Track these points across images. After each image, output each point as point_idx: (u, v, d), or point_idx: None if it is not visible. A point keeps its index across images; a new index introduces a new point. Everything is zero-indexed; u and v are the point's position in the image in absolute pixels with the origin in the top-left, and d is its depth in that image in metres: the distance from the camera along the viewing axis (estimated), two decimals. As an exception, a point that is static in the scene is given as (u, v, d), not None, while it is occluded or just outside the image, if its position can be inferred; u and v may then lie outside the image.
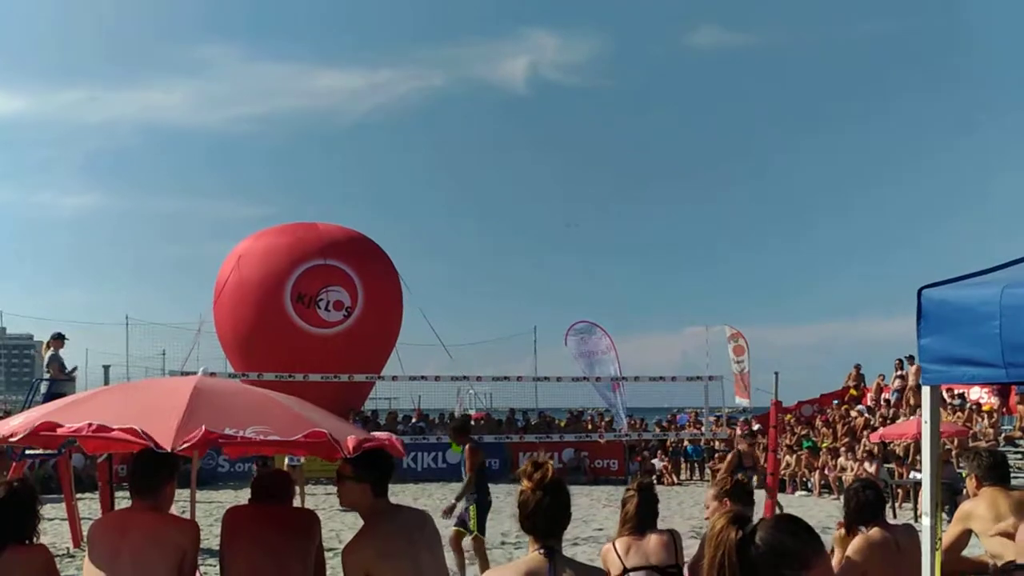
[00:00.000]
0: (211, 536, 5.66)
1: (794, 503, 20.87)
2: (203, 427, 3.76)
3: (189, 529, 4.34)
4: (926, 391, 3.96)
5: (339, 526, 15.14)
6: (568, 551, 10.79)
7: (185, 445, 3.72)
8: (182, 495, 5.27)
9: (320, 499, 20.64)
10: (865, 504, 4.99)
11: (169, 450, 3.70)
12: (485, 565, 10.40)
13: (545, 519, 3.31)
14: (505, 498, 20.73)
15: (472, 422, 29.82)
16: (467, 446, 11.27)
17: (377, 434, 4.38)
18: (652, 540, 4.90)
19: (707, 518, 5.43)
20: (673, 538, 4.93)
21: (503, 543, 13.90)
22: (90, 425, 3.77)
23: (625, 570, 4.81)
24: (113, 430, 3.74)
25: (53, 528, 14.87)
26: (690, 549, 5.30)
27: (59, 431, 3.87)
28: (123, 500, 7.17)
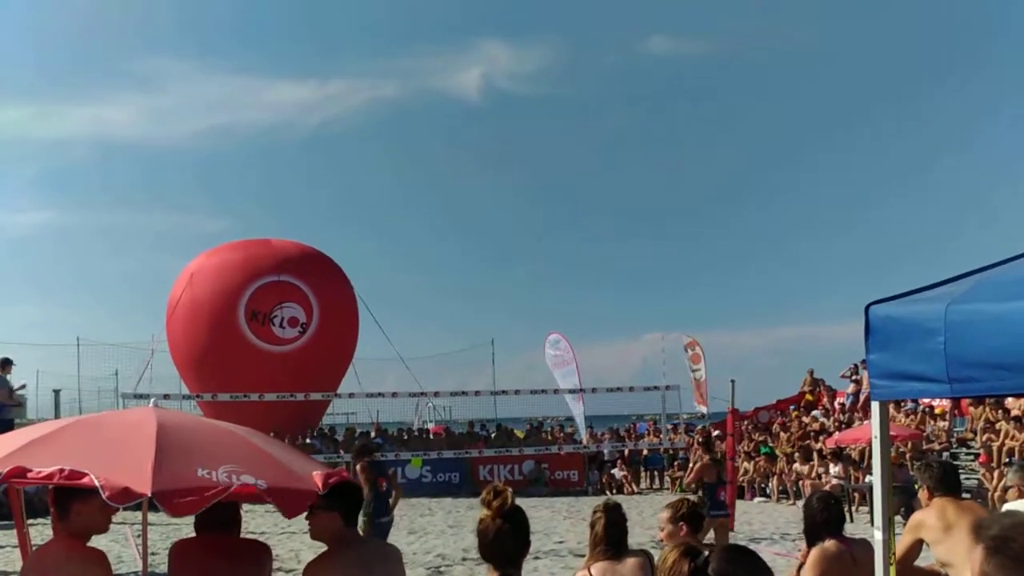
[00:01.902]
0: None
1: (752, 509, 21.05)
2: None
3: (91, 559, 4.23)
4: (875, 406, 4.00)
5: (298, 545, 14.99)
6: (530, 564, 10.80)
7: (178, 501, 3.64)
8: (131, 518, 5.19)
9: (278, 517, 20.41)
10: (826, 521, 5.02)
11: (149, 495, 3.61)
12: None
13: (505, 547, 3.30)
14: (466, 512, 20.77)
15: (431, 435, 29.86)
16: (358, 465, 11.88)
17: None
18: (628, 565, 4.84)
19: (661, 540, 5.42)
20: (649, 560, 4.90)
21: (464, 559, 13.85)
22: (61, 471, 3.66)
23: None
24: (86, 476, 3.63)
25: (4, 555, 14.59)
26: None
27: (28, 476, 3.72)
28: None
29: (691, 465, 12.87)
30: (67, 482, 3.67)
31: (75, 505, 4.17)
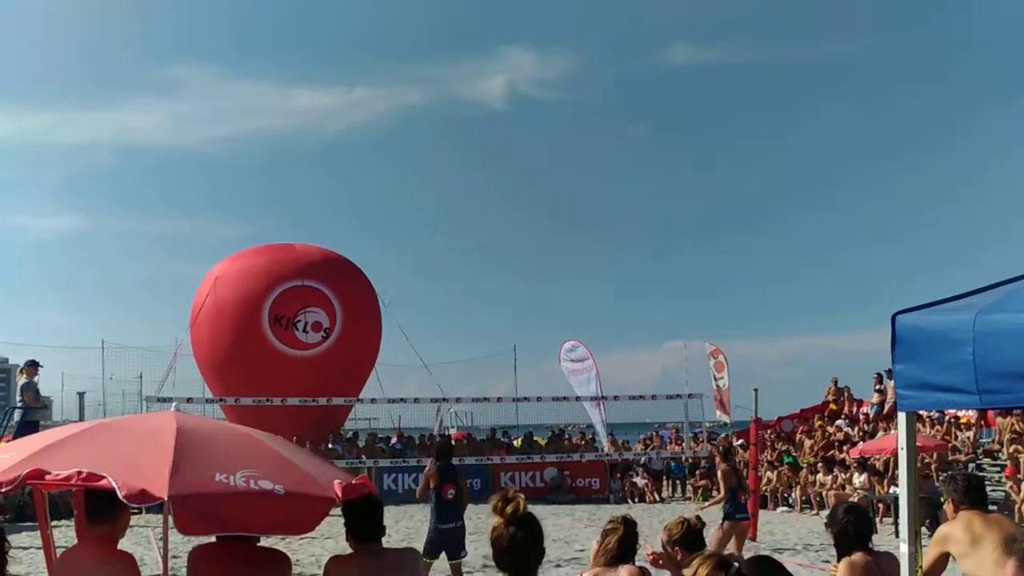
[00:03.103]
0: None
1: (775, 519, 20.89)
2: (195, 479, 3.70)
3: (119, 561, 4.29)
4: (902, 417, 3.95)
5: (319, 551, 15.01)
6: (551, 573, 10.77)
7: (179, 492, 3.65)
8: (153, 520, 5.21)
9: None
10: (857, 533, 4.96)
11: (166, 499, 3.65)
12: None
13: (518, 555, 3.27)
14: (487, 519, 20.67)
15: (453, 442, 29.84)
16: (427, 468, 11.31)
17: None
18: (622, 573, 4.84)
19: (650, 562, 5.37)
20: (642, 574, 4.88)
21: (485, 566, 13.80)
22: (79, 473, 3.70)
23: None
24: (104, 478, 3.66)
25: (29, 557, 14.69)
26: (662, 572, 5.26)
27: (47, 479, 3.77)
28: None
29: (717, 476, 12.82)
30: (85, 484, 3.70)
31: (124, 512, 4.32)
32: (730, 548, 11.76)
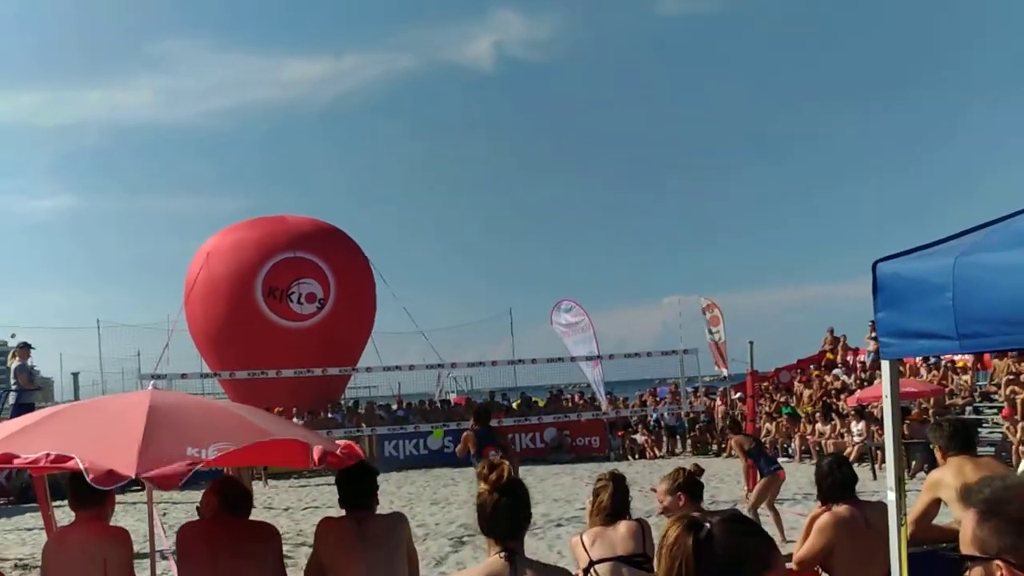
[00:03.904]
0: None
1: (775, 470, 20.99)
2: (185, 463, 3.69)
3: (111, 537, 4.31)
4: (885, 365, 3.92)
5: (310, 527, 15.07)
6: (552, 532, 10.80)
7: (151, 474, 3.65)
8: (156, 496, 5.22)
9: (303, 492, 20.59)
10: (836, 484, 4.95)
11: (133, 477, 3.65)
12: None
13: (504, 521, 3.26)
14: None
15: (452, 406, 29.96)
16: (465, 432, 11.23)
17: (338, 442, 4.42)
18: (620, 529, 4.85)
19: (660, 512, 5.37)
20: (641, 527, 4.88)
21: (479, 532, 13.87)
22: (48, 455, 3.69)
23: (591, 562, 4.77)
24: (71, 459, 3.65)
25: (32, 538, 14.75)
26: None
27: (15, 463, 3.77)
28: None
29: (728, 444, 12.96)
30: (53, 466, 3.69)
31: (112, 495, 4.40)
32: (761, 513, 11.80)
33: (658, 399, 30.62)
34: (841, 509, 4.87)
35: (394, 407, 29.51)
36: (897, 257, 3.81)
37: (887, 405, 3.95)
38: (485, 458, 3.49)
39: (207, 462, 3.82)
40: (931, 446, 5.64)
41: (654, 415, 28.38)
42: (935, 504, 5.11)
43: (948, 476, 5.07)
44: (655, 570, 2.38)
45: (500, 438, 11.12)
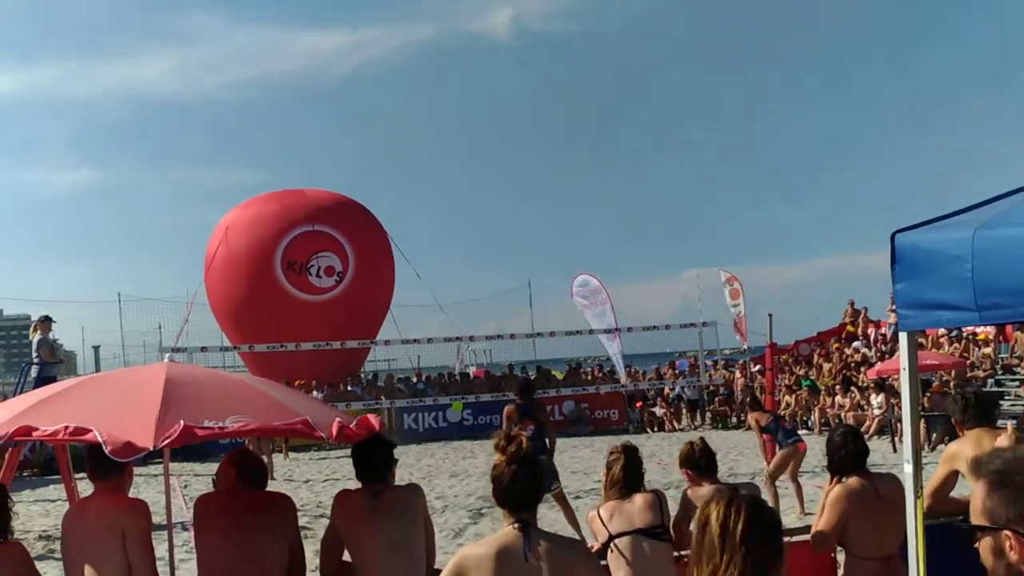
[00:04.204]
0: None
1: (794, 443, 20.95)
2: (181, 423, 3.72)
3: (129, 508, 4.33)
4: (903, 337, 3.90)
5: (329, 499, 15.17)
6: (572, 504, 10.76)
7: (165, 443, 3.68)
8: (177, 469, 5.26)
9: (323, 465, 20.73)
10: (848, 456, 4.93)
11: (151, 448, 3.69)
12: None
13: (520, 493, 3.28)
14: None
15: (472, 379, 30.06)
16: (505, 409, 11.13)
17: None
18: (637, 501, 4.85)
19: (688, 489, 5.34)
20: (658, 498, 4.88)
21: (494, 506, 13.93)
22: (66, 428, 3.72)
23: (610, 536, 4.77)
24: (90, 432, 3.68)
25: (56, 509, 14.92)
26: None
27: (34, 435, 3.81)
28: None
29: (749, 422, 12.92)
30: (71, 438, 3.72)
31: (129, 463, 4.30)
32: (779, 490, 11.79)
33: (677, 372, 30.60)
34: (852, 481, 4.84)
35: (413, 380, 29.63)
36: (916, 228, 3.78)
37: (904, 377, 3.93)
38: (503, 430, 3.52)
39: (224, 433, 3.85)
40: (952, 419, 5.60)
41: (675, 389, 28.31)
42: (952, 476, 5.08)
43: (966, 448, 5.03)
44: (692, 541, 2.38)
45: (540, 412, 11.06)
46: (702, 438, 5.64)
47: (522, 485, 3.28)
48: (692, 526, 2.42)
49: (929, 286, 3.58)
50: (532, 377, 28.32)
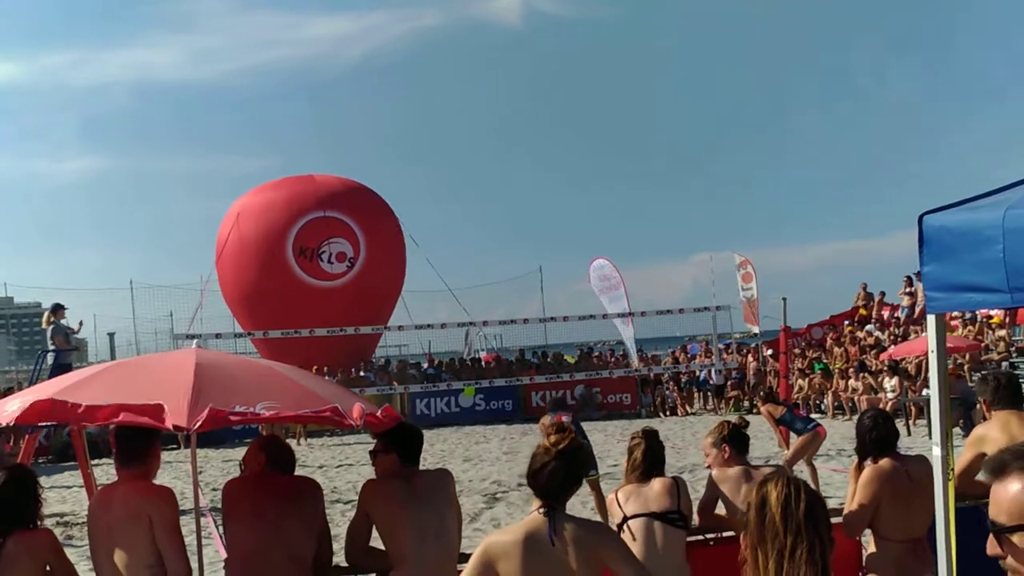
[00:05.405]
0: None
1: (808, 426, 20.91)
2: (210, 406, 3.75)
3: (156, 496, 4.34)
4: (931, 320, 3.86)
5: (356, 477, 15.23)
6: (584, 488, 10.73)
7: (198, 424, 3.70)
8: (202, 455, 5.28)
9: (337, 451, 20.79)
10: (879, 439, 4.90)
11: (186, 430, 3.73)
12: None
13: (552, 486, 3.28)
14: (520, 438, 20.91)
15: (483, 364, 30.08)
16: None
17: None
18: (655, 486, 4.88)
19: (707, 466, 5.36)
20: (676, 484, 4.90)
21: (520, 485, 13.96)
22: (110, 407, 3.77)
23: (624, 518, 4.80)
24: (132, 406, 3.74)
25: (72, 495, 15.00)
26: (703, 480, 5.25)
27: (72, 416, 3.84)
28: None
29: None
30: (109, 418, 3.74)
31: (155, 450, 4.46)
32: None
33: (689, 356, 30.53)
34: (884, 463, 4.81)
35: (425, 365, 29.66)
36: (944, 210, 3.74)
37: (932, 360, 3.89)
38: (558, 421, 3.51)
39: (257, 418, 3.86)
40: (975, 399, 5.57)
41: (700, 373, 28.11)
42: (979, 459, 5.04)
43: (993, 431, 5.01)
44: (750, 522, 2.36)
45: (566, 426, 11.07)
46: (741, 416, 5.65)
47: (557, 480, 3.28)
48: (741, 506, 2.43)
49: (959, 268, 3.54)
50: (547, 359, 28.31)
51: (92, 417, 3.81)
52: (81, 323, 19.22)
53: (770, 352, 26.73)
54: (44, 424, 14.21)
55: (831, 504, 4.76)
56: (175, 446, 19.64)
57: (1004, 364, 20.81)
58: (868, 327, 26.79)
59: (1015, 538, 1.84)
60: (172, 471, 16.43)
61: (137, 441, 4.38)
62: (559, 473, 3.26)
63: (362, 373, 26.83)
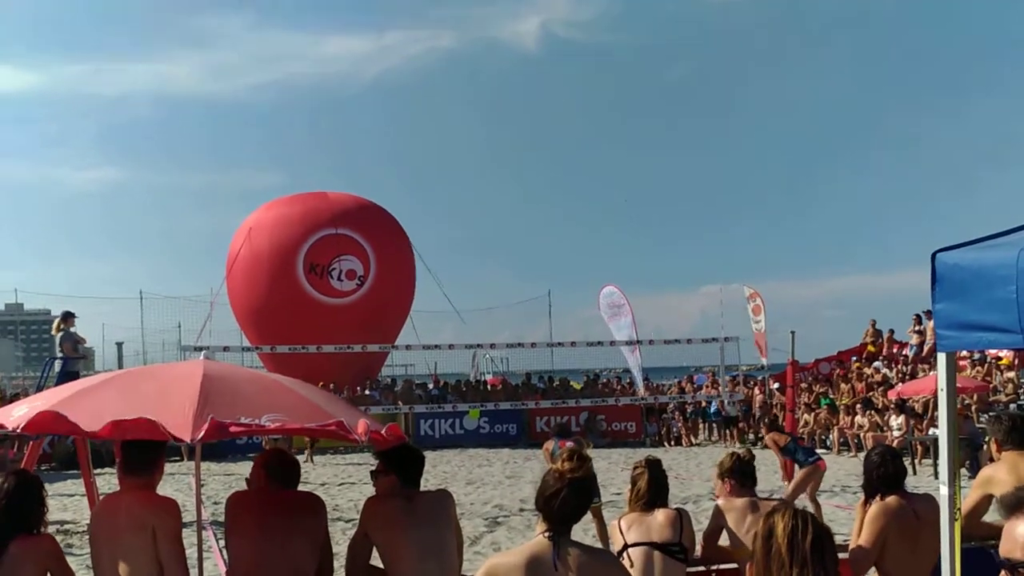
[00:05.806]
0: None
1: (813, 461, 20.82)
2: (211, 417, 3.74)
3: (160, 507, 4.33)
4: (941, 358, 3.84)
5: (357, 495, 15.19)
6: (587, 515, 10.72)
7: (200, 435, 3.70)
8: (202, 468, 5.27)
9: (339, 469, 20.76)
10: (887, 476, 4.87)
11: (189, 442, 3.73)
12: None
13: (560, 512, 3.27)
14: (523, 463, 20.85)
15: (488, 387, 30.02)
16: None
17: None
18: (658, 516, 4.86)
19: (716, 497, 5.34)
20: (680, 516, 4.87)
21: (522, 509, 13.91)
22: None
23: (625, 545, 4.78)
24: (129, 421, 3.72)
25: (74, 504, 14.99)
26: (707, 511, 5.23)
27: (75, 432, 3.85)
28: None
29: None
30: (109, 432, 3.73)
31: (160, 460, 4.44)
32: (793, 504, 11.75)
33: (696, 386, 30.45)
34: (891, 500, 4.79)
35: (430, 386, 29.63)
36: (957, 248, 3.73)
37: (942, 399, 3.88)
38: (576, 447, 3.50)
39: (262, 430, 3.88)
40: (982, 440, 5.54)
41: (711, 404, 27.92)
42: (986, 500, 5.01)
43: (1001, 472, 4.98)
44: (756, 552, 2.36)
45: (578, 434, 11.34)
46: (748, 449, 5.64)
47: (567, 507, 3.27)
48: (744, 537, 2.43)
49: (971, 307, 3.53)
50: (553, 384, 28.22)
51: (95, 435, 3.82)
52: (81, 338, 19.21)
53: (776, 385, 26.65)
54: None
55: (836, 540, 4.73)
56: (178, 458, 19.65)
57: (1012, 406, 20.72)
58: (876, 364, 26.71)
59: None
60: (174, 483, 16.42)
61: (144, 451, 4.38)
62: (570, 501, 3.26)
63: (367, 391, 26.81)
